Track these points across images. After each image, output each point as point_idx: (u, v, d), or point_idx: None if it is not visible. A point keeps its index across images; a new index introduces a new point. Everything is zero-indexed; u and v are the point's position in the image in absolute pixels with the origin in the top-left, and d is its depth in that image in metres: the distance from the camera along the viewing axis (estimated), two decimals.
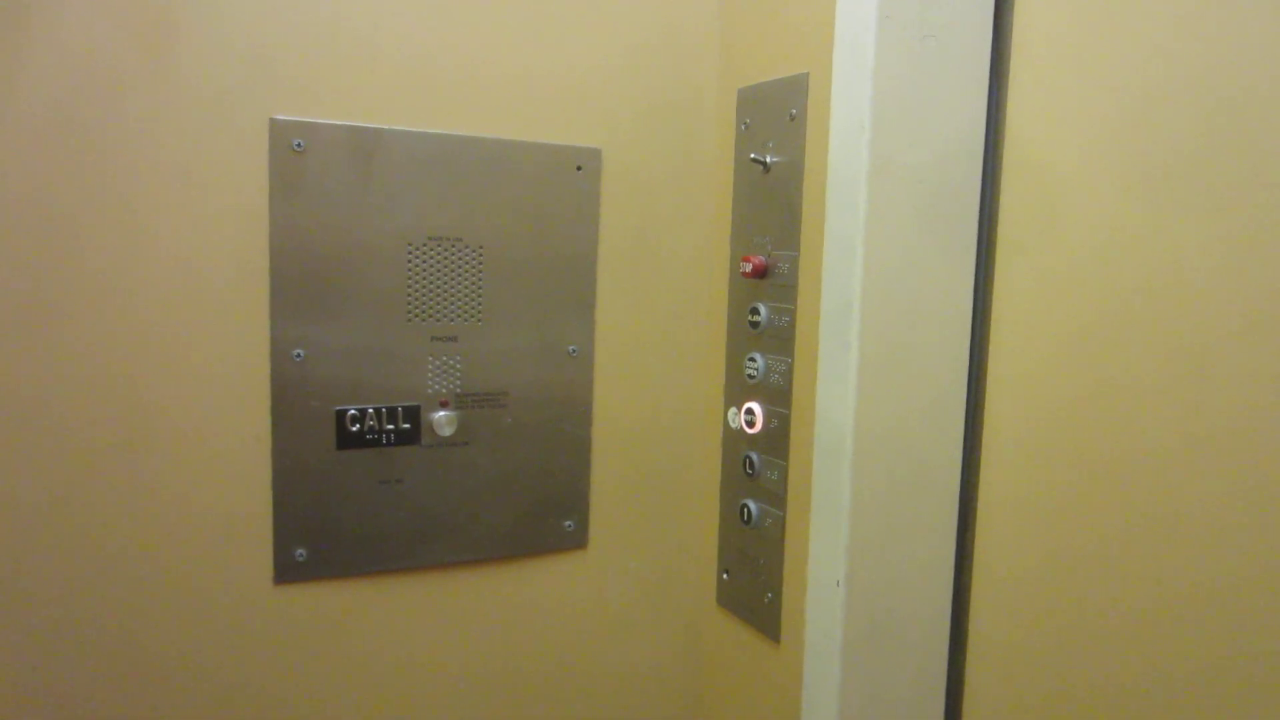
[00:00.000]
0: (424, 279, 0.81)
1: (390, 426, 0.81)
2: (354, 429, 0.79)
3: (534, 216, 0.85)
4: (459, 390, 0.83)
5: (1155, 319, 0.61)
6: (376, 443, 0.81)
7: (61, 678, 0.73)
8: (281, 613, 0.79)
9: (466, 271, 0.83)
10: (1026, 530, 0.71)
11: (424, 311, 0.81)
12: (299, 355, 0.77)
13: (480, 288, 0.83)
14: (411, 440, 0.82)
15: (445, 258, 0.82)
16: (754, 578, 0.87)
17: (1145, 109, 0.62)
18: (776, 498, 0.83)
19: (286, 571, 0.79)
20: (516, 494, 0.87)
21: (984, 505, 0.76)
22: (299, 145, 0.75)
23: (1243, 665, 0.56)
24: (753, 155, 0.84)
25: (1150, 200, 0.61)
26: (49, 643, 0.72)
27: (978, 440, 0.76)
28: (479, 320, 0.84)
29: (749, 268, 0.83)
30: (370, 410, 0.80)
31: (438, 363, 0.82)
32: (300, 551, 0.79)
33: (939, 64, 0.70)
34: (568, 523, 0.90)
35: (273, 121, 0.74)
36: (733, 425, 0.89)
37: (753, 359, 0.85)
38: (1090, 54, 0.65)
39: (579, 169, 0.86)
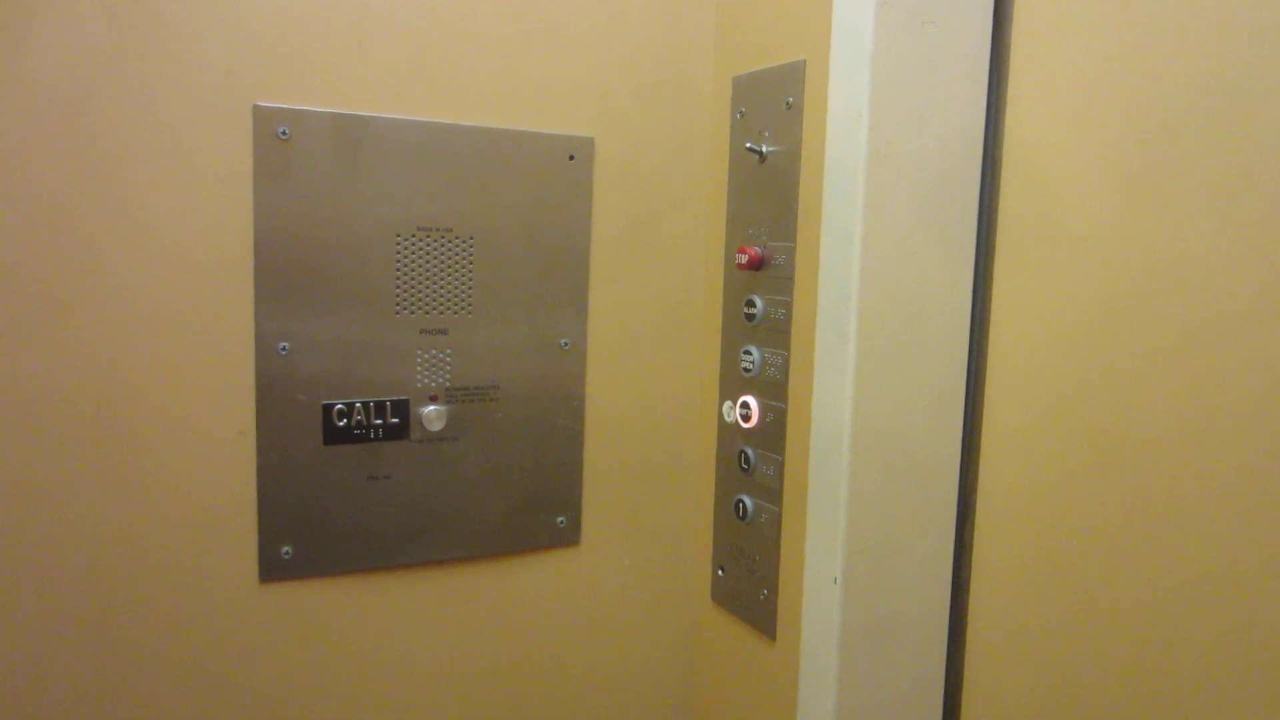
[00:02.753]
0: (413, 271, 0.79)
1: (378, 421, 0.79)
2: (341, 424, 0.78)
3: (525, 207, 0.83)
4: (449, 384, 0.82)
5: (1156, 309, 0.60)
6: (364, 438, 0.79)
7: (38, 676, 0.71)
8: (267, 611, 0.78)
9: (456, 263, 0.81)
10: (1026, 524, 0.70)
11: (413, 304, 0.80)
12: (284, 348, 0.75)
13: (470, 280, 0.82)
14: (400, 435, 0.80)
15: (434, 249, 0.80)
16: (749, 574, 0.86)
17: (1145, 96, 0.61)
18: (772, 493, 0.82)
19: (272, 569, 0.77)
20: (507, 490, 0.86)
21: (983, 499, 0.75)
22: (284, 133, 0.73)
23: (1247, 659, 0.56)
24: (748, 144, 0.82)
25: (1151, 189, 0.60)
26: (26, 640, 0.70)
27: (977, 433, 0.75)
28: (469, 313, 0.82)
29: (744, 259, 0.82)
30: (358, 404, 0.78)
31: (427, 356, 0.81)
32: (286, 549, 0.77)
33: (938, 51, 0.69)
34: (560, 519, 0.89)
35: (257, 108, 0.72)
36: (728, 419, 0.88)
37: (748, 352, 0.84)
38: (1092, 41, 0.64)
39: (571, 158, 0.85)
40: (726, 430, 0.89)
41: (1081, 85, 0.65)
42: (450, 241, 0.80)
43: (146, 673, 0.74)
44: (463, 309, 0.82)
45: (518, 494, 0.86)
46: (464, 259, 0.81)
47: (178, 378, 0.72)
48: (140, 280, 0.71)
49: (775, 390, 0.81)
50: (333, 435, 0.78)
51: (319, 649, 0.80)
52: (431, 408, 0.81)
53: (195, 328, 0.73)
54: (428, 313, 0.80)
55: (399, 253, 0.78)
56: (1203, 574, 0.58)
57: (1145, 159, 0.61)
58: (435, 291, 0.80)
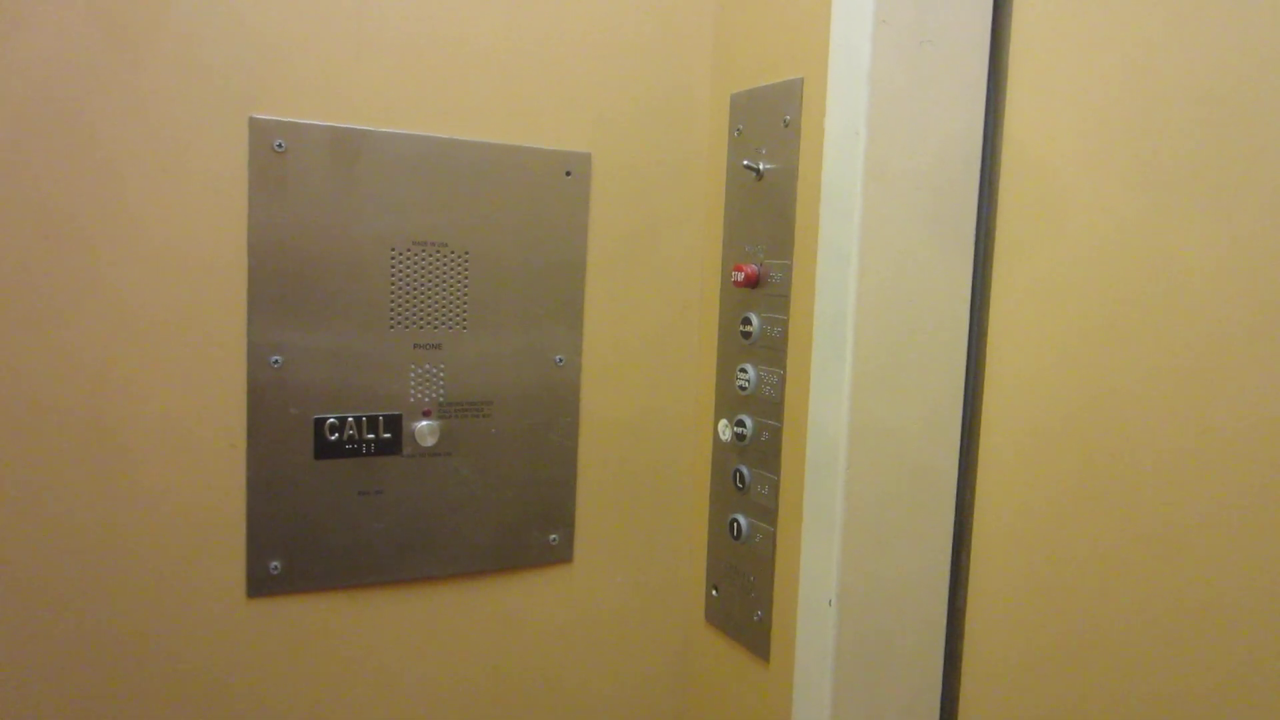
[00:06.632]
0: (407, 285, 0.79)
1: (371, 436, 0.79)
2: (333, 438, 0.77)
3: (521, 222, 0.83)
4: (442, 399, 0.81)
5: (1156, 324, 0.60)
6: (356, 452, 0.78)
7: (18, 692, 0.70)
8: (254, 627, 0.77)
9: (451, 277, 0.81)
10: (1024, 544, 0.69)
11: (407, 318, 0.79)
12: (277, 361, 0.75)
13: (465, 294, 0.81)
14: (392, 450, 0.80)
15: (429, 263, 0.80)
16: (743, 595, 0.85)
17: (1144, 111, 0.60)
18: (767, 512, 0.81)
19: (260, 584, 0.76)
20: (500, 506, 0.85)
21: (980, 519, 0.74)
22: (280, 146, 0.73)
23: (1246, 681, 0.55)
24: (745, 162, 0.82)
25: (1150, 204, 0.60)
26: (6, 654, 0.69)
27: (974, 452, 0.74)
28: (463, 328, 0.81)
29: (741, 277, 0.82)
30: (350, 419, 0.78)
31: (420, 371, 0.80)
32: (275, 564, 0.76)
33: (936, 69, 0.69)
34: (553, 536, 0.88)
35: (253, 121, 0.72)
36: (723, 437, 0.87)
37: (744, 370, 0.83)
38: (1089, 57, 0.64)
39: (568, 174, 0.84)
40: (721, 448, 0.88)
41: (1080, 103, 0.65)
42: (445, 256, 0.80)
43: (130, 688, 0.73)
44: (457, 324, 0.81)
45: (510, 511, 0.86)
46: (459, 273, 0.81)
47: (169, 389, 0.72)
48: (133, 291, 0.70)
49: (771, 408, 0.80)
50: (324, 449, 0.77)
51: (307, 666, 0.79)
52: (424, 423, 0.80)
53: (187, 339, 0.72)
54: (422, 327, 0.80)
55: (394, 266, 0.78)
56: (1204, 594, 0.57)
57: (1145, 173, 0.61)
58: (430, 306, 0.80)
